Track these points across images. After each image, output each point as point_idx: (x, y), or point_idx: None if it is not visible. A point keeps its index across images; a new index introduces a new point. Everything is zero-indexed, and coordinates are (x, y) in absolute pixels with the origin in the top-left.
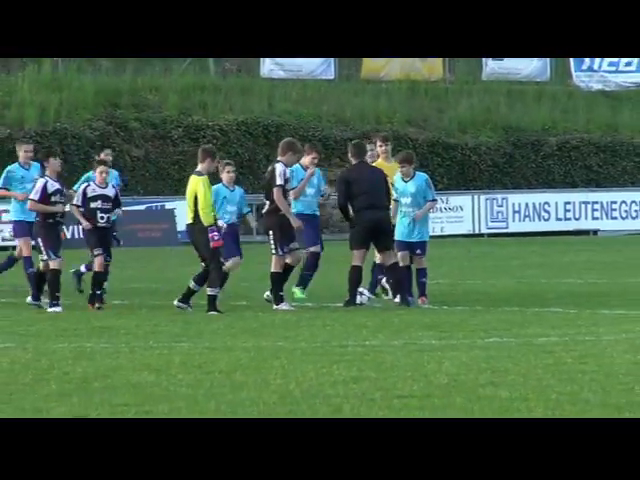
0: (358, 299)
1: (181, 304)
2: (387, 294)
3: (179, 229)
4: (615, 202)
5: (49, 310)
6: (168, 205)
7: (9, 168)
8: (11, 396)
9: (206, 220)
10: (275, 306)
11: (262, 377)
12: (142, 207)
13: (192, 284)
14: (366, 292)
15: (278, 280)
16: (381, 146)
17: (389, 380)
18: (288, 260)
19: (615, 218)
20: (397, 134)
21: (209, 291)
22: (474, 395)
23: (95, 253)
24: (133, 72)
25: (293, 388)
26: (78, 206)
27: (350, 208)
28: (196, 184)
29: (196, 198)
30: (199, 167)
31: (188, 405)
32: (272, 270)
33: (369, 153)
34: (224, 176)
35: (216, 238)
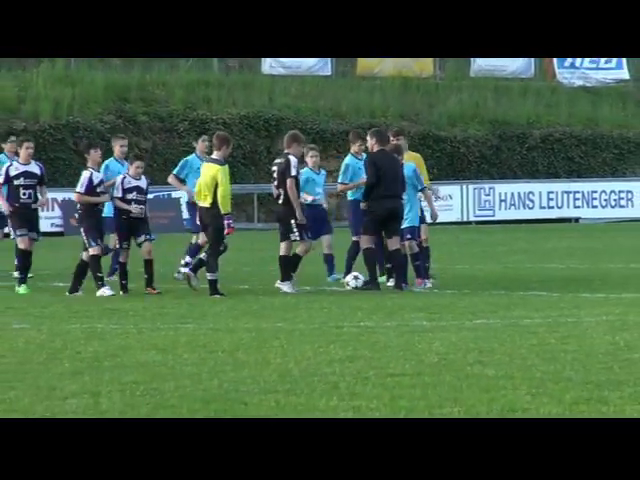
0: (353, 283)
1: (190, 272)
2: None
3: (185, 217)
4: (595, 192)
5: (98, 293)
6: (174, 194)
7: (106, 163)
8: (26, 374)
9: (225, 208)
10: (279, 282)
11: (263, 356)
12: (150, 196)
13: (203, 255)
14: (362, 276)
15: (293, 263)
16: (393, 140)
17: (383, 359)
18: (298, 250)
19: (595, 207)
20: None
21: (209, 276)
22: (462, 373)
23: (123, 246)
24: (141, 69)
25: (292, 367)
26: (120, 198)
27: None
28: (216, 172)
29: (216, 185)
30: (215, 154)
31: (193, 383)
32: (292, 252)
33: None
34: (309, 160)
35: (231, 225)
